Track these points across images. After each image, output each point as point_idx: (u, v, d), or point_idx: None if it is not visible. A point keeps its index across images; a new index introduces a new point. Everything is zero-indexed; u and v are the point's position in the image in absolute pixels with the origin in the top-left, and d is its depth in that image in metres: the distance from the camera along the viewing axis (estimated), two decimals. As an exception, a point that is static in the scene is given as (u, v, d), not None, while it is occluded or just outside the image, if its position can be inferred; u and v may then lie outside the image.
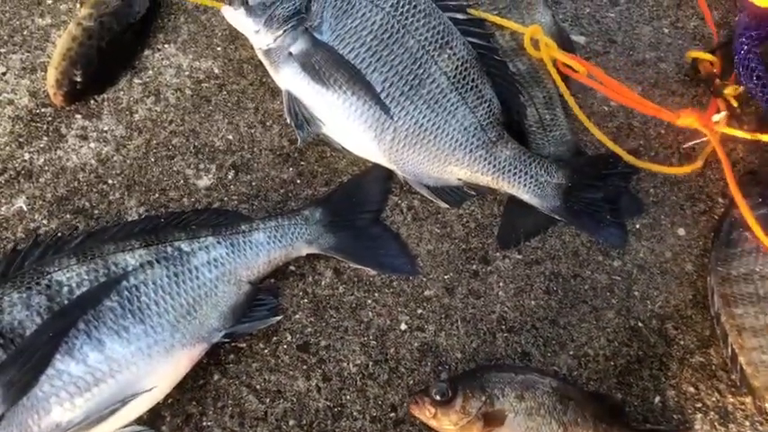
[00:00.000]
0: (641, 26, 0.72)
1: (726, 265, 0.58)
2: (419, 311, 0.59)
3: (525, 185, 0.63)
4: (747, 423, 0.55)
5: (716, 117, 0.62)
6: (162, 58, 0.67)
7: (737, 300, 0.57)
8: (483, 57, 0.65)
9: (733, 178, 0.58)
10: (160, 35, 0.68)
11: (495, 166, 0.63)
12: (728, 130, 0.61)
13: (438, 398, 0.52)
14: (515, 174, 0.63)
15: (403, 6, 0.64)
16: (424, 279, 0.61)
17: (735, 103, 0.64)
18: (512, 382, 0.53)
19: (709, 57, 0.66)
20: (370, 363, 0.57)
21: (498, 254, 0.62)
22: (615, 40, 0.71)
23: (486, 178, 0.63)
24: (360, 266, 0.60)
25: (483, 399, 0.52)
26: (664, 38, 0.71)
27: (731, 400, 0.56)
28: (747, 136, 0.61)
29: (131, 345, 0.51)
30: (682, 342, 0.58)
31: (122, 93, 0.65)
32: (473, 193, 0.64)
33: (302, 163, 0.65)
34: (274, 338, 0.57)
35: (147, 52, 0.67)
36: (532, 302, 0.60)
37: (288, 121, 0.62)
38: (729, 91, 0.64)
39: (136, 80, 0.66)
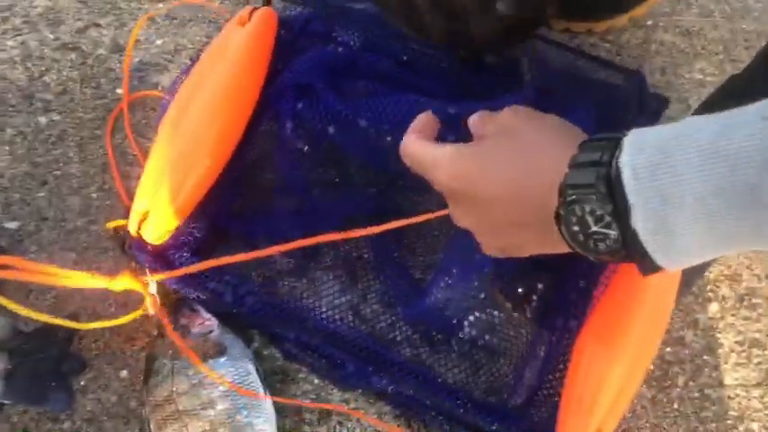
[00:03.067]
0: (71, 198, 0.79)
1: (153, 394, 0.65)
2: None
3: (-41, 384, 0.65)
4: None
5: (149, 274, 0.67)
6: None
7: (167, 421, 0.64)
8: None
9: (166, 318, 0.65)
10: None
11: None
12: (159, 277, 0.68)
13: None
14: (-55, 377, 0.64)
15: None
16: None
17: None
18: None
19: (122, 222, 0.73)
20: None
21: (-57, 461, 0.62)
22: (47, 216, 0.78)
23: None
24: None
25: None
26: (93, 202, 0.79)
27: None
28: (168, 276, 0.68)
29: None
30: (132, 476, 0.64)
31: None
32: None
33: None
34: None
35: None
36: (-17, 497, 0.61)
37: None
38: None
39: None
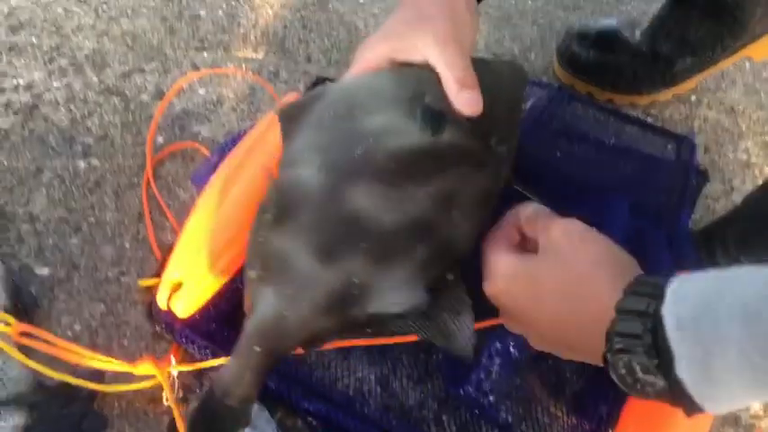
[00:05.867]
0: (104, 246, 0.79)
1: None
2: None
3: (-22, 439, 0.63)
4: None
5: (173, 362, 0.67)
6: None
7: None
8: None
9: (180, 416, 0.64)
10: None
11: (-61, 429, 0.63)
12: (182, 368, 0.67)
13: None
14: (-36, 430, 0.63)
15: None
16: None
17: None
18: None
19: (154, 282, 0.70)
20: None
21: None
22: (79, 264, 0.77)
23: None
24: None
25: None
26: (125, 253, 0.78)
27: None
28: (191, 368, 0.67)
29: None
30: None
31: None
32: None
33: None
34: None
35: None
36: None
37: None
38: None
39: None
